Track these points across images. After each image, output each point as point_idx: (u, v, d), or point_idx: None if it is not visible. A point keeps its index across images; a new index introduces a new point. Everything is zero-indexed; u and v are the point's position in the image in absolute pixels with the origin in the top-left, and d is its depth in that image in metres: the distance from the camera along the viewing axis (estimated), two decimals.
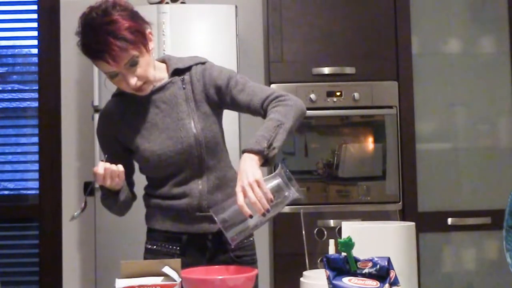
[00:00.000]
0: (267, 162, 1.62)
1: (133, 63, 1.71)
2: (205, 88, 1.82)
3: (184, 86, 1.83)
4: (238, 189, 1.53)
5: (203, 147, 1.80)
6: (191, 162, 1.81)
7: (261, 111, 1.76)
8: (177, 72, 1.85)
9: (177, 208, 1.83)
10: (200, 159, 1.81)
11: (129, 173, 1.90)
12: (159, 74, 1.84)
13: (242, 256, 1.87)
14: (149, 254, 1.90)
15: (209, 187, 1.82)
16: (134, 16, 1.77)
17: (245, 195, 1.51)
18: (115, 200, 1.83)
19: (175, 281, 1.31)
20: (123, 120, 1.85)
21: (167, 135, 1.80)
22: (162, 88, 1.83)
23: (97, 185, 1.75)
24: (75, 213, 1.71)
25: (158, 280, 1.32)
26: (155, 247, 1.88)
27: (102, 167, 1.68)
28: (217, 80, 1.81)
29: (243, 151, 1.61)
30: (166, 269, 1.33)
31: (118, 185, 1.74)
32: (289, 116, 1.68)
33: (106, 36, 1.66)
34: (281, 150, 1.66)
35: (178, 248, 1.84)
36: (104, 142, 1.89)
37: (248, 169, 1.55)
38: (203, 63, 1.87)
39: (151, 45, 1.79)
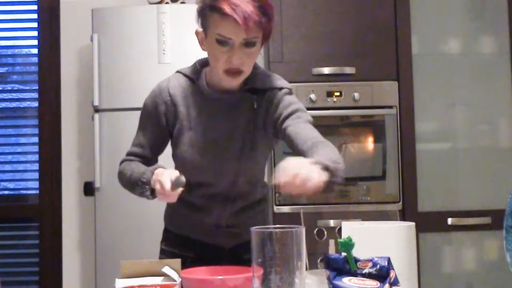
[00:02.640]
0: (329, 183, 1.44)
1: (252, 43, 1.60)
2: (272, 113, 1.70)
3: (255, 106, 1.71)
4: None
5: (236, 187, 1.74)
6: (220, 190, 1.75)
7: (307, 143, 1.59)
8: (251, 88, 1.73)
9: (195, 218, 1.78)
10: (230, 192, 1.75)
11: (156, 153, 1.82)
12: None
13: None
14: (164, 255, 1.85)
15: (232, 211, 1.77)
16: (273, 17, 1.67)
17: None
18: (146, 197, 1.72)
19: (175, 281, 1.31)
20: (180, 107, 1.73)
21: (208, 158, 1.71)
22: (232, 105, 1.72)
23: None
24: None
25: (158, 280, 1.31)
26: (171, 249, 1.84)
27: (169, 184, 1.53)
28: (288, 106, 1.68)
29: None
30: (166, 269, 1.33)
31: None
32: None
33: (254, 2, 1.57)
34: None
35: (193, 254, 1.80)
36: (147, 117, 1.77)
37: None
38: (280, 89, 1.73)
39: (261, 50, 1.70)
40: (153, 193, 1.65)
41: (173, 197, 1.57)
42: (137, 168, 1.71)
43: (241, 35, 1.57)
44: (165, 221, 1.90)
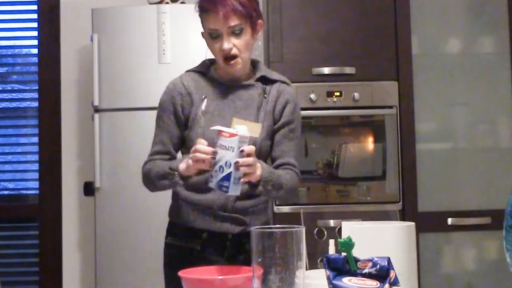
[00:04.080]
0: (256, 186, 1.76)
1: (237, 31, 1.81)
2: (280, 107, 1.92)
3: (265, 96, 1.91)
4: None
5: (255, 156, 1.80)
6: None
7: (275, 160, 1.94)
8: (262, 79, 1.93)
9: (202, 204, 1.85)
10: None
11: (178, 148, 1.93)
12: (248, 69, 1.93)
13: None
14: (169, 248, 1.92)
15: (241, 192, 1.82)
16: (255, 2, 1.88)
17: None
18: (176, 183, 1.81)
19: (236, 134, 1.58)
20: (195, 95, 1.88)
21: None
22: (244, 87, 1.91)
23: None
24: None
25: (233, 130, 1.59)
26: (176, 242, 1.90)
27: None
28: (292, 113, 1.93)
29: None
30: (238, 127, 1.58)
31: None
32: (287, 184, 1.86)
33: None
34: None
35: (198, 244, 1.87)
36: (165, 112, 1.89)
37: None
38: (288, 84, 1.98)
39: (256, 36, 1.90)
40: (182, 178, 1.76)
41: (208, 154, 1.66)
42: (161, 162, 1.84)
43: (225, 24, 1.79)
44: (171, 215, 1.95)
